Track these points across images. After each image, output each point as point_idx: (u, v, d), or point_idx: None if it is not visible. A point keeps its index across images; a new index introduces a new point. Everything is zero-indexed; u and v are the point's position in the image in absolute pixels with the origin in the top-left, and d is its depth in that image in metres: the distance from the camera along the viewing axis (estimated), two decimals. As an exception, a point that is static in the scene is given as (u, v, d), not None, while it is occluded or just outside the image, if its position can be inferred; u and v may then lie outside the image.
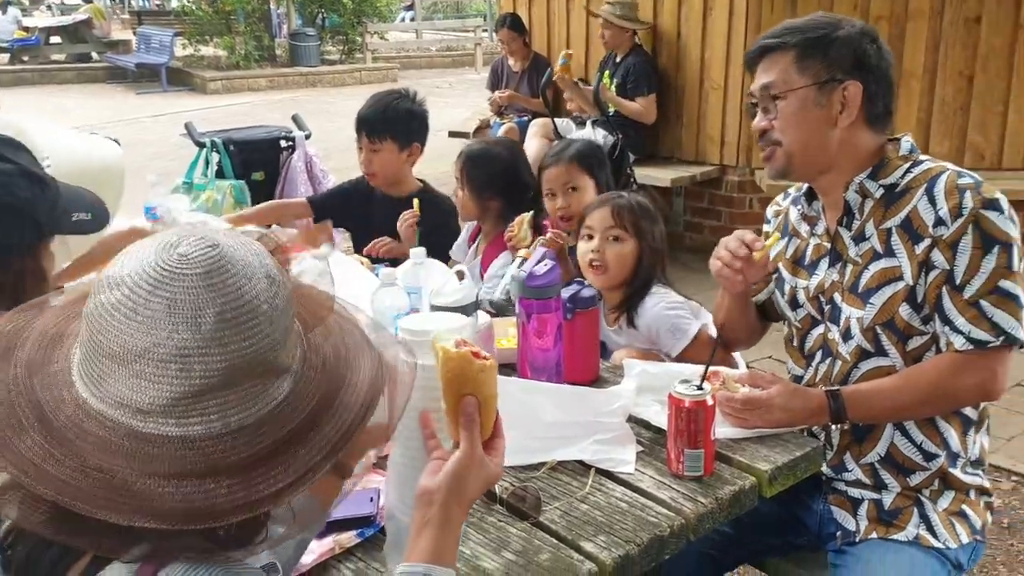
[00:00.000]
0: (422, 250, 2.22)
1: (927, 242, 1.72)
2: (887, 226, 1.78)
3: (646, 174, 5.70)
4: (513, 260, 2.48)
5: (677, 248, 5.71)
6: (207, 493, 0.85)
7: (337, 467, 0.96)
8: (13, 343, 0.93)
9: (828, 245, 1.90)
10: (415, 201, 2.99)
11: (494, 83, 7.26)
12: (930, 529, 1.81)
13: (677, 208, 6.06)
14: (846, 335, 1.85)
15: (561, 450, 1.66)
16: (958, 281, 1.70)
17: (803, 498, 1.94)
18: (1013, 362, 1.75)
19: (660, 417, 1.71)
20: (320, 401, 0.93)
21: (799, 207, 1.98)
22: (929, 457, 1.82)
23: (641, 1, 6.02)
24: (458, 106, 10.97)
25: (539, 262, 1.81)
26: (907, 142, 1.84)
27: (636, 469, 1.62)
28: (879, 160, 1.81)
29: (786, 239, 2.01)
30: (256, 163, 4.50)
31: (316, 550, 1.39)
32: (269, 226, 3.65)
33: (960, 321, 1.71)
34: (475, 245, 3.04)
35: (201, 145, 4.54)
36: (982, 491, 1.89)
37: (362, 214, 3.23)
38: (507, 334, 2.20)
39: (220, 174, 4.37)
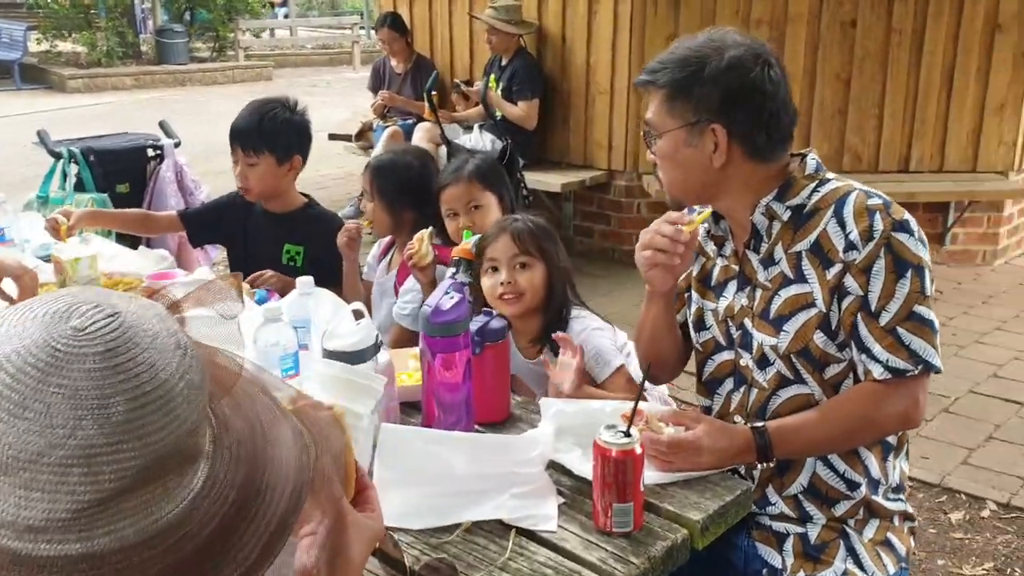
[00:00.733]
0: (309, 279, 2.01)
1: (838, 267, 1.66)
2: (796, 250, 1.71)
3: (536, 179, 5.60)
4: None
5: (568, 253, 5.64)
6: None
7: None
8: None
9: (736, 268, 1.82)
10: (367, 222, 2.82)
11: (376, 84, 7.03)
12: (857, 563, 1.75)
13: (567, 213, 5.98)
14: (762, 362, 1.77)
15: (475, 508, 1.49)
16: (873, 307, 1.65)
17: (727, 535, 1.84)
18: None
19: (582, 465, 1.57)
20: (243, 486, 0.75)
21: (706, 225, 1.89)
22: (852, 486, 1.77)
23: (525, 3, 5.92)
24: (337, 106, 10.64)
25: (445, 294, 1.63)
26: (812, 160, 1.76)
27: (560, 526, 1.48)
28: (784, 181, 1.74)
29: (693, 257, 1.92)
30: (120, 174, 4.14)
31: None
32: (136, 245, 3.36)
33: (877, 349, 1.65)
34: (388, 259, 2.85)
35: (57, 156, 4.15)
36: (905, 516, 1.85)
37: (240, 230, 2.96)
38: (407, 368, 2.02)
39: (80, 187, 4.00)
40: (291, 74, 16.53)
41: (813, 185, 1.72)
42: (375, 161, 2.88)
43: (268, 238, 2.90)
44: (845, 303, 1.66)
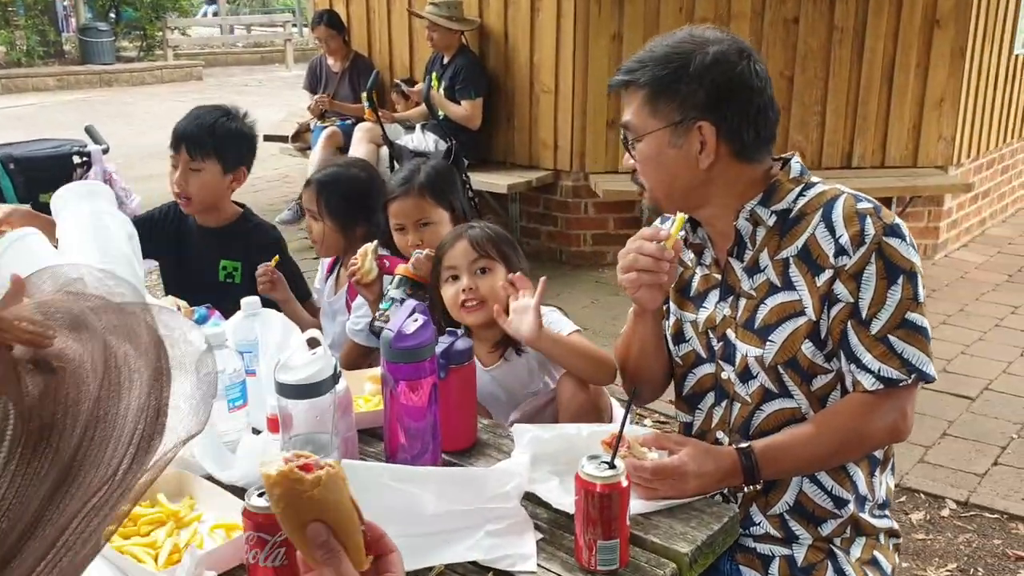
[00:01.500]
0: (256, 299, 1.86)
1: (828, 273, 1.59)
2: (783, 256, 1.64)
3: (481, 180, 5.49)
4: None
5: (515, 256, 5.54)
6: None
7: None
8: None
9: (718, 277, 1.73)
10: (275, 259, 2.59)
11: (312, 83, 6.83)
12: (845, 583, 1.67)
13: (513, 214, 5.88)
14: (744, 375, 1.69)
15: (449, 549, 1.37)
16: (864, 315, 1.58)
17: (707, 559, 1.76)
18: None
19: (561, 497, 1.47)
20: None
21: (683, 233, 1.79)
22: (840, 503, 1.70)
23: (466, 0, 5.80)
24: (270, 106, 10.37)
25: (408, 317, 1.51)
26: (796, 164, 1.70)
27: (539, 565, 1.37)
28: (768, 185, 1.66)
29: (678, 268, 1.82)
30: (44, 183, 3.88)
31: None
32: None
33: (868, 358, 1.58)
34: (334, 277, 2.70)
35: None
36: (891, 533, 1.79)
37: (172, 247, 2.76)
38: (363, 392, 1.89)
39: (0, 198, 3.77)
40: (222, 73, 16.14)
41: (799, 189, 1.66)
42: (319, 176, 2.69)
43: (203, 254, 2.72)
44: (834, 311, 1.60)
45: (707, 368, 1.77)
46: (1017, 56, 6.26)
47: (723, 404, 1.74)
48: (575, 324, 2.05)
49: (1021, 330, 4.77)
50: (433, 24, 5.54)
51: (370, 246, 2.38)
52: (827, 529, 1.70)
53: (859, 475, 1.70)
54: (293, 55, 16.68)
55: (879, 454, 1.74)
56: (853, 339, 1.59)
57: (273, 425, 1.50)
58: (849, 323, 1.59)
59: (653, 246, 1.61)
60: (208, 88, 14.38)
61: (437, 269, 2.11)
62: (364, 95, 5.83)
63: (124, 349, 0.64)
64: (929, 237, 5.84)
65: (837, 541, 1.71)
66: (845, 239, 1.58)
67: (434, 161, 2.64)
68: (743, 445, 1.61)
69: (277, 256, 2.61)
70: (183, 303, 2.31)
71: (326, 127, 6.33)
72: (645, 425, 2.14)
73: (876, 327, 1.58)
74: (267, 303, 1.94)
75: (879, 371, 1.58)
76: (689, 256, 1.80)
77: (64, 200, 1.90)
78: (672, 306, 1.83)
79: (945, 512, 3.17)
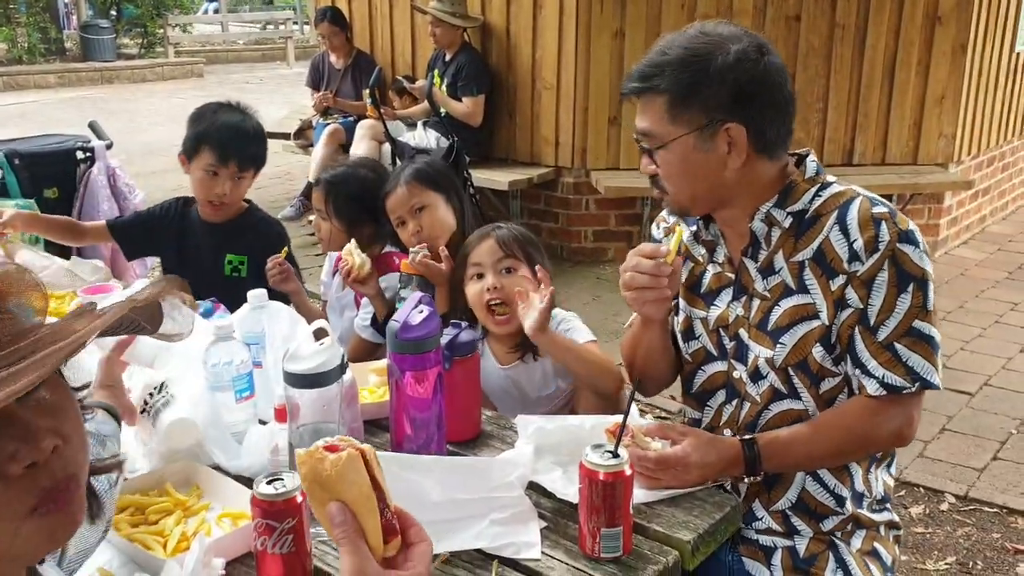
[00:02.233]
0: (263, 292, 1.88)
1: (842, 279, 1.59)
2: (799, 259, 1.64)
3: (483, 176, 5.50)
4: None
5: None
6: None
7: None
8: None
9: (732, 276, 1.73)
10: (284, 251, 2.61)
11: (314, 80, 6.84)
12: (847, 573, 1.69)
13: (514, 211, 5.89)
14: (755, 375, 1.70)
15: (454, 537, 1.39)
16: (871, 322, 1.58)
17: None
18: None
19: (565, 487, 1.48)
20: None
21: (693, 227, 1.80)
22: (841, 501, 1.71)
23: (468, -4, 5.81)
24: (271, 103, 10.37)
25: (414, 308, 1.53)
26: (812, 162, 1.68)
27: (544, 552, 1.39)
28: (784, 185, 1.65)
29: (680, 277, 1.81)
30: (48, 178, 3.91)
31: None
32: (67, 254, 3.16)
33: (873, 365, 1.59)
34: (337, 279, 2.72)
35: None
36: (891, 526, 1.80)
37: (174, 242, 2.78)
38: (368, 384, 1.91)
39: (3, 192, 3.77)
40: (222, 71, 16.15)
41: (815, 189, 1.65)
42: (328, 176, 2.70)
43: (207, 249, 2.73)
44: (844, 315, 1.60)
45: (718, 366, 1.77)
46: (1018, 53, 6.28)
47: (734, 402, 1.75)
48: (592, 335, 2.06)
49: (1020, 327, 4.79)
50: (436, 20, 5.55)
51: (350, 244, 2.40)
52: (828, 525, 1.71)
53: (857, 472, 1.71)
54: (294, 53, 16.69)
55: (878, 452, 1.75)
56: (859, 345, 1.59)
57: (280, 415, 1.52)
58: (857, 328, 1.59)
59: (649, 263, 1.60)
60: (209, 85, 14.39)
61: (462, 266, 2.13)
62: (366, 92, 5.84)
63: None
64: (929, 234, 5.85)
65: (838, 534, 1.72)
66: (859, 244, 1.57)
67: (425, 158, 2.67)
68: (747, 436, 1.63)
69: (286, 248, 2.63)
70: (188, 296, 2.32)
71: (328, 124, 6.34)
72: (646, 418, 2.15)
73: (883, 334, 1.58)
74: (273, 296, 1.96)
75: (883, 377, 1.58)
76: (701, 252, 1.79)
77: None
78: (682, 303, 1.82)
79: (944, 506, 3.19)
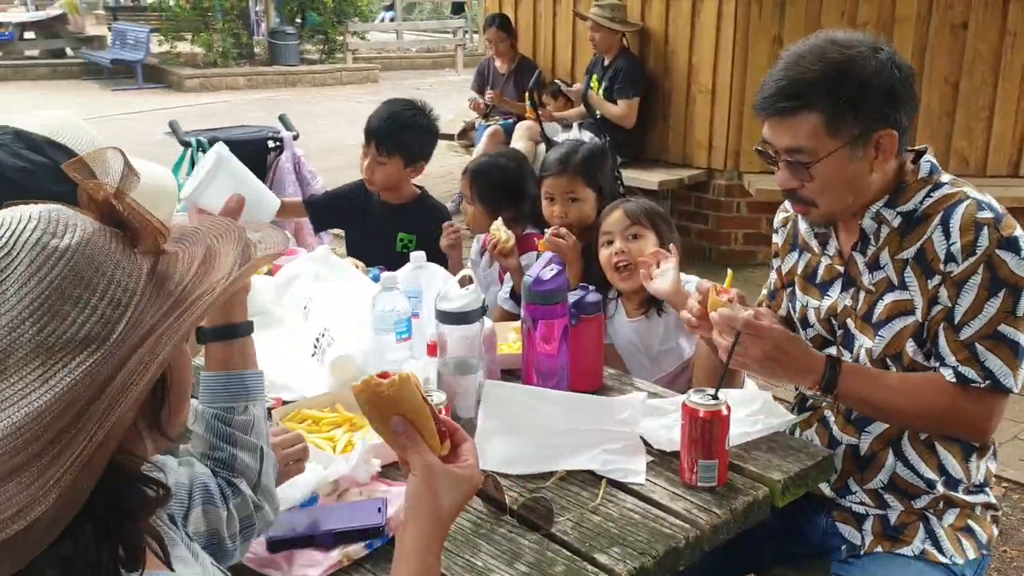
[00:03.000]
0: (422, 254, 2.18)
1: (937, 279, 1.66)
2: (903, 257, 1.71)
3: (633, 176, 5.69)
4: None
5: (664, 251, 5.71)
6: None
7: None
8: None
9: (841, 269, 1.82)
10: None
11: (480, 84, 7.22)
12: (936, 545, 1.77)
13: (663, 211, 6.04)
14: (856, 361, 1.79)
15: (570, 459, 1.62)
16: (956, 320, 1.65)
17: (807, 511, 1.90)
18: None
19: (662, 438, 1.68)
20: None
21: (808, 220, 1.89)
22: (932, 484, 1.78)
23: (629, 3, 6.02)
24: (440, 108, 10.81)
25: (546, 266, 1.77)
26: (927, 163, 1.72)
27: (647, 479, 1.59)
28: (897, 185, 1.71)
29: (797, 252, 1.94)
30: (243, 162, 4.41)
31: (323, 563, 1.35)
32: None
33: (951, 359, 1.66)
34: (485, 256, 3.01)
35: (187, 144, 4.45)
36: (988, 507, 1.85)
37: (359, 218, 3.20)
38: (507, 339, 2.16)
39: (207, 173, 4.28)
40: (396, 77, 16.93)
41: (926, 190, 1.70)
42: (473, 166, 3.05)
43: (384, 226, 3.11)
44: (934, 311, 1.67)
45: (831, 350, 1.84)
46: None
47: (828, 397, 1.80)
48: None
49: None
50: (596, 25, 5.79)
51: (497, 221, 2.67)
52: (920, 503, 1.79)
53: (949, 459, 1.77)
54: (463, 60, 17.31)
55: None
56: (941, 340, 1.66)
57: (432, 349, 1.79)
58: (942, 325, 1.66)
59: (696, 306, 1.77)
60: (383, 90, 15.14)
61: (596, 237, 2.41)
62: (527, 94, 6.16)
63: (220, 243, 0.94)
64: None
65: (930, 511, 1.80)
66: (957, 247, 1.62)
67: (589, 144, 2.89)
68: (834, 356, 1.73)
69: (469, 221, 2.96)
70: (360, 263, 2.66)
71: (489, 126, 6.69)
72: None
73: (966, 333, 1.64)
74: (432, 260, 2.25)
75: (957, 368, 1.64)
76: (815, 243, 1.88)
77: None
78: (798, 292, 1.92)
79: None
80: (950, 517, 1.80)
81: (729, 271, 1.82)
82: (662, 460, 1.65)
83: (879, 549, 1.80)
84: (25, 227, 0.80)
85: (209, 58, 15.77)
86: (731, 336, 1.63)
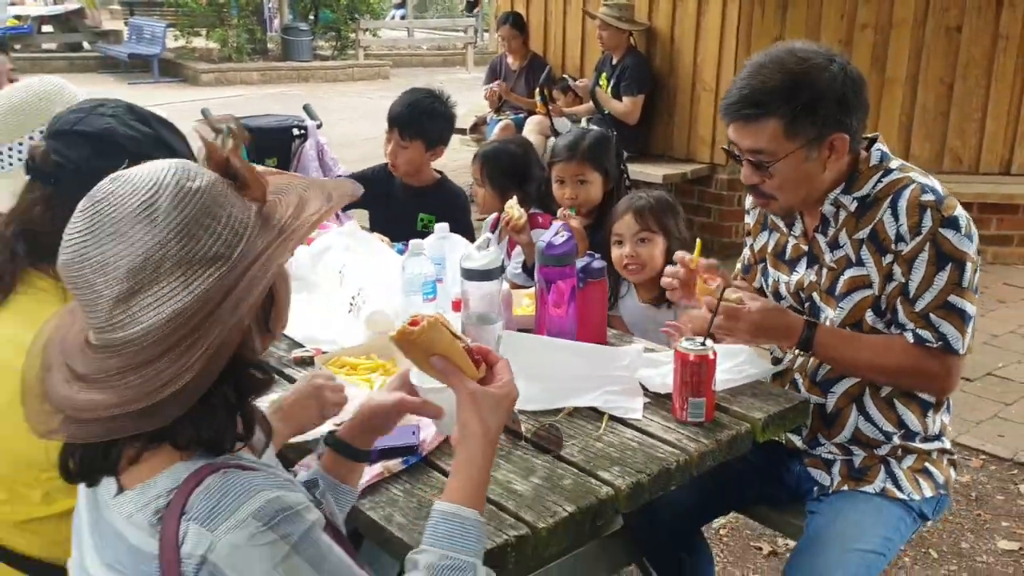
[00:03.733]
0: (446, 225, 2.42)
1: (890, 256, 1.88)
2: (859, 237, 1.92)
3: (639, 170, 5.92)
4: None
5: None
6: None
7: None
8: None
9: (806, 248, 2.05)
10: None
11: (492, 80, 7.44)
12: (896, 483, 2.01)
13: (667, 204, 6.26)
14: None
15: (576, 398, 1.86)
16: (911, 294, 1.87)
17: (784, 460, 2.16)
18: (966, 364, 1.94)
19: (658, 383, 1.92)
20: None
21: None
22: (890, 436, 2.01)
23: (636, 3, 6.25)
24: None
25: (556, 233, 2.01)
26: (877, 151, 1.93)
27: (644, 416, 1.83)
28: (851, 174, 1.92)
29: (767, 232, 2.18)
30: (269, 150, 4.66)
31: (368, 474, 1.58)
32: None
33: (909, 326, 1.89)
34: (497, 232, 3.25)
35: (218, 131, 4.69)
36: (944, 451, 2.08)
37: (382, 199, 3.44)
38: (521, 304, 2.41)
39: (235, 159, 4.53)
40: (407, 74, 17.15)
41: (878, 176, 1.91)
42: (482, 150, 3.31)
43: (406, 207, 3.36)
44: (890, 287, 1.90)
45: None
46: None
47: (807, 353, 2.03)
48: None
49: None
50: (604, 24, 6.03)
51: (512, 200, 2.90)
52: (881, 451, 2.03)
53: (908, 414, 2.00)
54: (473, 58, 17.54)
55: (931, 398, 2.01)
56: (900, 312, 1.89)
57: (456, 305, 2.04)
58: (899, 299, 1.89)
59: (673, 268, 2.07)
60: (394, 87, 15.35)
61: (609, 231, 2.65)
62: (538, 90, 6.40)
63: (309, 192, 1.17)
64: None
65: (890, 457, 2.03)
66: (904, 227, 1.84)
67: (595, 131, 3.13)
68: (812, 320, 1.96)
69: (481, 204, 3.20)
70: (386, 239, 2.90)
71: (500, 120, 6.93)
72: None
73: (920, 305, 1.86)
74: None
75: (915, 330, 1.88)
76: (782, 224, 2.11)
77: None
78: (769, 268, 2.17)
79: None
80: (908, 460, 2.04)
81: (699, 240, 2.08)
82: (657, 401, 1.89)
83: (845, 488, 2.04)
84: (167, 173, 1.04)
85: (224, 53, 16.03)
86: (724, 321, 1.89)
